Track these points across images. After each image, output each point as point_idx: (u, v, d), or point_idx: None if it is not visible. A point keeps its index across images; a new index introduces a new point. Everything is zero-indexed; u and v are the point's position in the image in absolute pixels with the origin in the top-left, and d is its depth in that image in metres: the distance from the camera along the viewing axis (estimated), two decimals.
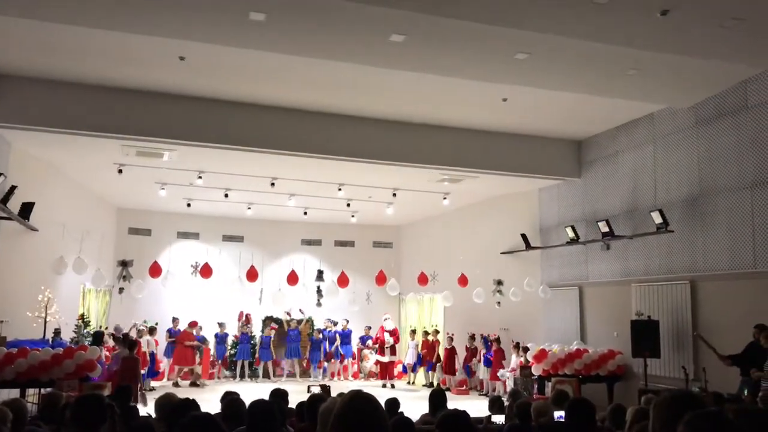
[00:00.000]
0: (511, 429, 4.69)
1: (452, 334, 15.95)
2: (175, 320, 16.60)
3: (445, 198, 15.01)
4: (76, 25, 7.98)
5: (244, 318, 17.52)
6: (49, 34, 8.45)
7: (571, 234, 12.71)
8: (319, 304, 18.68)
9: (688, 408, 2.12)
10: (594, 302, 12.78)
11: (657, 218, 10.76)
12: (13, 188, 10.24)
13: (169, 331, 16.45)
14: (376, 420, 2.19)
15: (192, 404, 4.60)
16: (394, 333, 17.08)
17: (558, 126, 12.49)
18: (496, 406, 7.15)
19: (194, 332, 16.35)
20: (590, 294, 12.88)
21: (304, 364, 17.49)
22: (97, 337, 12.49)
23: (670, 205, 10.92)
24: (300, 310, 17.89)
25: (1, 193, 10.01)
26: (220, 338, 17.10)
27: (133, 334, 13.92)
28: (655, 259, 11.27)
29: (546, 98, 10.63)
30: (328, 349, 17.55)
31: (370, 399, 2.25)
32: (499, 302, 14.93)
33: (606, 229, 11.85)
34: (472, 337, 15.39)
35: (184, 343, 16.00)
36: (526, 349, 13.07)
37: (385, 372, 16.74)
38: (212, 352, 17.02)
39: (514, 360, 13.69)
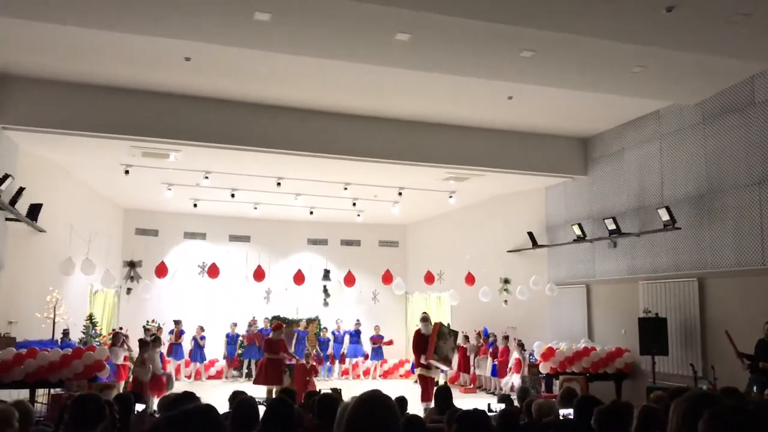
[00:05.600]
0: (504, 414, 4.65)
1: (465, 333, 15.88)
2: (177, 323, 16.41)
3: (451, 196, 14.99)
4: (82, 27, 8.01)
5: (252, 319, 17.58)
6: (55, 36, 8.48)
7: (578, 232, 12.68)
8: (325, 304, 18.70)
9: (707, 408, 2.11)
10: (601, 300, 12.75)
11: (664, 215, 10.72)
12: (21, 190, 10.29)
13: (170, 332, 16.41)
14: (386, 423, 2.17)
15: (190, 397, 4.55)
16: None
17: (564, 123, 12.46)
18: (505, 404, 7.14)
19: (275, 337, 12.49)
20: (597, 292, 12.85)
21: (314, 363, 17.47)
22: (115, 338, 12.43)
23: (677, 202, 10.88)
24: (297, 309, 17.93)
25: (9, 194, 10.05)
26: (231, 338, 17.16)
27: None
28: (662, 257, 11.23)
29: (552, 96, 10.61)
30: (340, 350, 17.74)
31: (382, 400, 2.23)
32: (506, 301, 14.91)
33: (613, 227, 11.82)
34: (479, 335, 15.39)
35: (268, 356, 12.24)
36: (521, 345, 13.12)
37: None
38: (223, 352, 17.08)
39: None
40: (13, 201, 10.16)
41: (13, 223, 10.78)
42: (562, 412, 5.35)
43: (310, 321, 17.88)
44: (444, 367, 11.92)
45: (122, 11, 7.49)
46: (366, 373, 17.89)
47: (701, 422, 2.01)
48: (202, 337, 16.67)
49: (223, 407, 5.66)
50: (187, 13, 7.56)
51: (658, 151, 11.54)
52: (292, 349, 15.98)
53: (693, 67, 9.16)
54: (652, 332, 10.71)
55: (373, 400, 2.23)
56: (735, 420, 1.97)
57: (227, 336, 17.13)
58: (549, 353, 11.79)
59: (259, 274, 16.18)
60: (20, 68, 9.78)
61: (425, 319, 12.13)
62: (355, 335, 17.92)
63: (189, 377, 16.56)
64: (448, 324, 13.74)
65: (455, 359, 12.93)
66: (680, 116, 11.10)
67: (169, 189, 14.33)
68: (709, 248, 10.32)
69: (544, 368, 11.90)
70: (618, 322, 12.16)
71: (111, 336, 12.74)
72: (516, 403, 7.14)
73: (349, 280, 16.75)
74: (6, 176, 9.74)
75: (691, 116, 10.86)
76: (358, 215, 17.25)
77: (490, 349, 14.75)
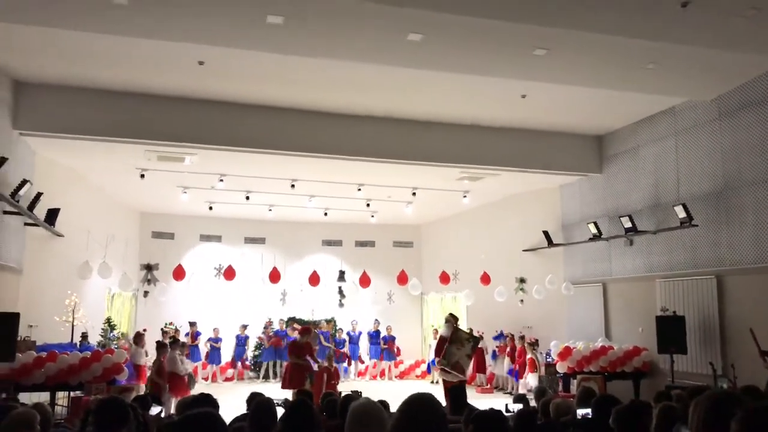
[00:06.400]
0: (521, 414, 4.63)
1: (481, 332, 15.75)
2: (192, 324, 16.55)
3: (465, 196, 14.96)
4: (96, 33, 8.09)
5: (267, 320, 17.67)
6: (70, 43, 8.57)
7: (593, 230, 12.61)
8: (341, 305, 18.73)
9: (730, 408, 2.07)
10: (618, 298, 12.66)
11: (681, 213, 10.62)
12: (38, 195, 10.41)
13: (186, 334, 16.46)
14: (429, 426, 2.19)
15: (207, 399, 4.54)
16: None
17: (578, 121, 12.39)
18: (521, 404, 7.11)
19: (305, 341, 12.23)
20: (614, 290, 12.76)
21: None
22: (137, 339, 12.48)
23: (694, 199, 10.78)
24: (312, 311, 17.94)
25: (27, 200, 10.17)
26: (240, 340, 17.24)
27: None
28: (679, 254, 11.13)
29: (565, 94, 10.55)
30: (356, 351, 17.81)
31: (427, 403, 2.24)
32: (522, 300, 14.85)
33: (629, 225, 11.74)
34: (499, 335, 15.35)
35: (293, 360, 11.95)
36: (531, 345, 13.06)
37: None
38: (231, 354, 17.16)
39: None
40: (32, 206, 10.28)
41: (31, 227, 10.91)
42: (580, 411, 5.32)
43: (328, 322, 17.95)
44: (457, 374, 10.92)
45: (136, 16, 7.54)
46: (382, 374, 17.90)
47: (734, 422, 1.97)
48: (217, 340, 16.74)
49: (240, 409, 5.70)
50: (200, 18, 7.61)
51: (673, 148, 11.44)
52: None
53: (708, 62, 9.07)
54: (670, 330, 10.62)
55: (418, 403, 2.24)
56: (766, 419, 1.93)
57: (237, 338, 17.21)
58: (566, 352, 11.73)
59: (274, 276, 16.24)
60: (36, 75, 9.90)
61: (447, 320, 11.74)
62: (375, 336, 17.93)
63: (206, 379, 16.65)
64: (470, 329, 13.39)
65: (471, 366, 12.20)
66: (696, 112, 11.00)
67: (185, 192, 14.43)
68: (727, 245, 10.21)
69: (561, 368, 11.83)
70: (635, 320, 12.07)
71: (134, 337, 12.86)
72: (533, 403, 7.11)
73: (364, 281, 16.76)
74: (24, 182, 9.86)
75: (707, 112, 10.76)
76: (372, 216, 17.27)
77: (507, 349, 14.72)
